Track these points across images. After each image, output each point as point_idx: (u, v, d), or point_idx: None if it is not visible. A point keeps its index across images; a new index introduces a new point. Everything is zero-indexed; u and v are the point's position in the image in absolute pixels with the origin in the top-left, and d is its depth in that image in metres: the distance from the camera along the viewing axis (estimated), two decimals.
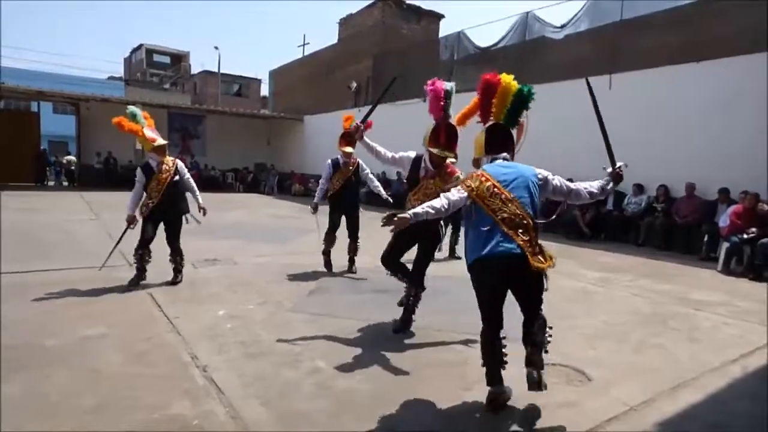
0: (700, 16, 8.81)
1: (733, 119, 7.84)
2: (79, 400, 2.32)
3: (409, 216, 2.30)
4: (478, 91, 2.72)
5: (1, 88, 15.10)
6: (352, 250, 5.37)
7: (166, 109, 18.24)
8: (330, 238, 5.40)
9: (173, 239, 4.61)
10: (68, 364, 2.70)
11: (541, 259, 2.29)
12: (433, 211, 2.33)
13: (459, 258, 6.49)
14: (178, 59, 39.30)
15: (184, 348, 3.03)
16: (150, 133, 4.47)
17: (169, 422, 2.16)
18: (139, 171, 4.55)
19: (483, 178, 2.37)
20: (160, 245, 4.70)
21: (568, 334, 3.55)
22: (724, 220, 6.98)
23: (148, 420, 2.17)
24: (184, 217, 4.63)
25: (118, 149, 17.23)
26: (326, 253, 5.41)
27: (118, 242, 4.72)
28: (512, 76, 2.69)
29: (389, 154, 3.50)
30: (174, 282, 4.55)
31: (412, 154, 3.49)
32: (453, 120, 3.36)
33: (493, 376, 2.41)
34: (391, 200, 5.40)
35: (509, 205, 2.30)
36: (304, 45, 27.14)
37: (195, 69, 38.95)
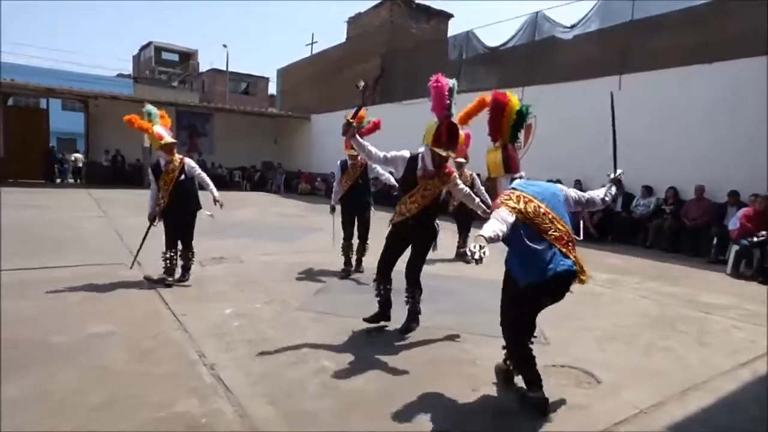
0: (711, 17, 8.71)
1: (743, 121, 7.75)
2: (85, 397, 2.31)
3: (486, 240, 2.12)
4: (489, 108, 2.71)
5: (11, 84, 15.23)
6: (360, 250, 5.34)
7: (174, 107, 18.33)
8: (345, 246, 5.27)
9: (185, 238, 4.62)
10: (74, 362, 2.70)
11: (585, 272, 2.40)
12: (501, 234, 2.20)
13: (468, 262, 6.43)
14: (187, 57, 39.50)
15: (191, 346, 3.03)
16: (160, 130, 4.46)
17: (177, 420, 2.16)
18: (150, 170, 4.63)
19: (525, 199, 2.36)
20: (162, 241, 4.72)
21: (576, 335, 3.53)
22: (733, 223, 6.91)
23: (155, 418, 2.16)
24: (198, 215, 4.62)
25: (126, 147, 17.33)
26: (345, 255, 5.33)
27: (143, 240, 4.73)
28: (516, 96, 2.71)
29: (381, 154, 3.30)
30: (181, 280, 4.56)
31: (407, 153, 3.34)
32: (455, 119, 3.26)
33: (539, 380, 2.41)
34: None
35: (556, 223, 2.34)
36: (312, 44, 27.17)
37: (203, 67, 39.16)
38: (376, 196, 5.65)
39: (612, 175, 2.83)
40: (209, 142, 20.07)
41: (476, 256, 1.98)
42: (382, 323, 3.49)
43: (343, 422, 2.23)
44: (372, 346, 3.18)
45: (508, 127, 2.63)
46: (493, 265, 6.76)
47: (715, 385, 2.85)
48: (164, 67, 38.41)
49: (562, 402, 2.53)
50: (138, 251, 4.80)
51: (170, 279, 4.48)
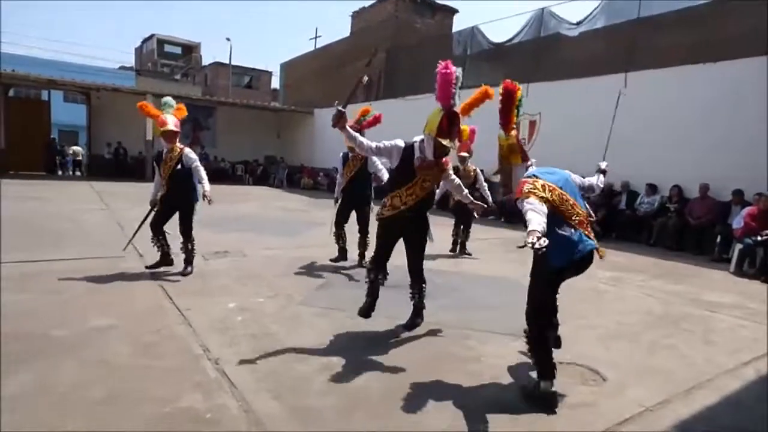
0: (717, 16, 8.67)
1: (748, 120, 7.72)
2: (88, 391, 2.29)
3: (539, 233, 2.08)
4: (500, 97, 2.72)
5: (11, 75, 15.16)
6: (362, 245, 5.34)
7: (176, 100, 18.28)
8: (337, 233, 5.39)
9: (184, 228, 4.60)
10: (76, 356, 2.68)
11: (600, 249, 2.58)
12: (544, 226, 2.18)
13: (470, 255, 6.42)
14: (189, 50, 39.38)
15: (194, 340, 3.01)
16: (166, 118, 4.48)
17: (181, 415, 2.14)
18: (153, 160, 4.71)
19: (550, 187, 2.42)
20: (169, 238, 4.73)
21: (580, 333, 3.52)
22: (737, 222, 6.92)
23: (160, 413, 2.14)
24: (195, 207, 4.61)
25: (129, 140, 17.31)
26: (339, 245, 5.45)
27: (141, 225, 4.79)
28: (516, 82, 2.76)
29: (372, 145, 3.10)
30: (184, 273, 4.54)
31: (401, 142, 3.13)
32: (457, 109, 3.12)
33: (552, 372, 2.48)
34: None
35: (576, 208, 2.47)
36: (315, 38, 27.07)
37: (206, 60, 39.05)
38: (377, 191, 5.64)
39: (602, 164, 3.22)
40: (212, 135, 20.03)
41: (538, 246, 1.99)
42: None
43: (348, 420, 2.21)
44: (376, 341, 3.16)
45: (516, 116, 2.72)
46: (493, 261, 6.78)
47: (719, 383, 2.85)
48: (167, 60, 38.32)
49: (567, 399, 2.52)
50: (134, 234, 4.86)
51: (166, 266, 4.54)
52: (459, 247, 6.49)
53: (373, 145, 3.11)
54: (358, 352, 2.94)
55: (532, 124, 11.27)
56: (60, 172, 18.30)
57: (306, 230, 7.78)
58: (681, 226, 7.98)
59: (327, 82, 20.87)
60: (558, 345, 2.84)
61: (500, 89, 2.70)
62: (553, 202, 2.38)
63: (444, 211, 6.92)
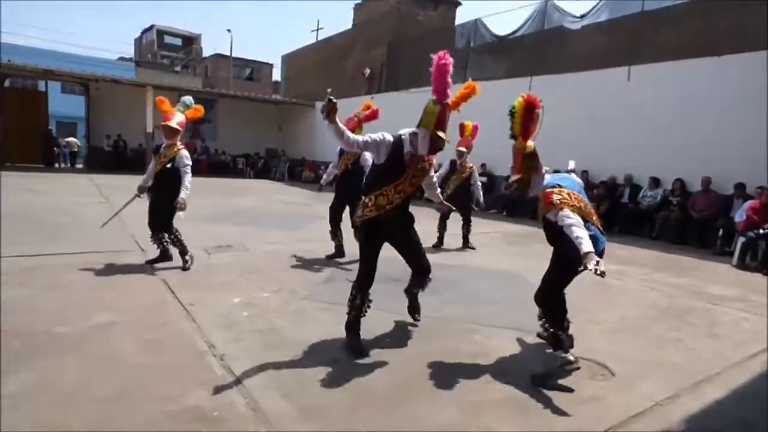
0: (721, 10, 8.59)
1: (751, 114, 7.71)
2: (93, 389, 2.26)
3: (592, 254, 2.36)
4: (522, 109, 2.75)
5: (8, 65, 14.99)
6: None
7: (177, 92, 18.20)
8: (332, 231, 5.35)
9: (163, 224, 4.55)
10: (80, 353, 2.64)
11: None
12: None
13: (474, 248, 6.40)
14: (190, 41, 39.10)
15: (199, 336, 2.99)
16: (174, 114, 4.47)
17: (188, 413, 2.11)
18: (153, 151, 4.73)
19: (573, 195, 2.69)
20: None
21: (587, 327, 3.51)
22: (740, 215, 6.94)
23: (165, 411, 2.11)
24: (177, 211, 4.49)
25: (128, 132, 17.22)
26: (335, 242, 5.41)
27: (124, 206, 4.82)
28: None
29: (360, 139, 2.80)
30: (184, 267, 4.49)
31: (389, 136, 2.86)
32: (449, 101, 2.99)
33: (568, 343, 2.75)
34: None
35: (591, 209, 2.77)
36: (317, 30, 26.92)
37: (206, 52, 38.78)
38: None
39: (571, 165, 3.51)
40: (213, 128, 19.93)
41: (600, 271, 2.27)
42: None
43: (357, 416, 2.19)
44: (381, 337, 3.14)
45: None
46: (494, 255, 6.75)
47: (726, 377, 2.86)
48: (167, 51, 38.04)
49: (577, 394, 2.52)
50: (117, 213, 4.92)
51: (167, 261, 4.55)
52: (462, 240, 6.46)
53: (360, 139, 2.81)
54: (364, 346, 2.91)
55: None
56: (59, 165, 18.21)
57: (308, 224, 7.75)
58: (683, 220, 8.00)
59: (329, 75, 20.72)
60: (571, 344, 2.85)
61: (521, 100, 2.74)
62: (579, 209, 2.64)
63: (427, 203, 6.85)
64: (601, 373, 2.80)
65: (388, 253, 3.07)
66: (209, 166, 18.08)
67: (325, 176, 5.68)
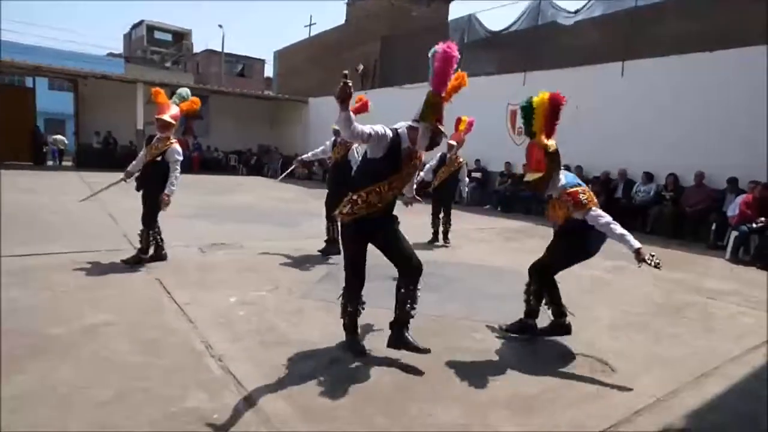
0: (715, 5, 8.63)
1: (744, 110, 7.78)
2: (90, 392, 2.21)
3: (644, 248, 2.70)
4: (550, 108, 2.83)
5: None
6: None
7: (168, 88, 17.96)
8: (327, 225, 5.31)
9: (145, 216, 4.51)
10: (76, 355, 2.59)
11: None
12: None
13: (448, 245, 6.31)
14: (180, 37, 38.61)
15: (196, 336, 2.94)
16: (170, 107, 4.40)
17: (188, 416, 2.07)
18: (146, 142, 4.67)
19: (590, 191, 2.88)
20: (164, 230, 4.65)
21: (588, 324, 3.52)
22: (732, 210, 7.02)
23: (166, 413, 2.07)
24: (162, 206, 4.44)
25: (119, 129, 16.97)
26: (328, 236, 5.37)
27: (105, 188, 4.78)
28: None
29: (366, 130, 2.55)
30: (125, 260, 4.41)
31: (389, 130, 2.65)
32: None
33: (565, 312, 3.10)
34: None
35: None
36: (310, 25, 26.65)
37: (198, 48, 38.38)
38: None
39: None
40: (204, 125, 19.69)
41: (656, 263, 2.60)
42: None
43: (360, 416, 2.17)
44: (382, 335, 3.10)
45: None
46: (491, 251, 6.74)
47: (726, 371, 2.88)
48: (157, 47, 37.55)
49: (579, 390, 2.52)
50: (97, 192, 4.90)
51: (144, 256, 4.47)
52: (442, 236, 6.41)
53: (367, 131, 2.55)
54: (365, 347, 2.89)
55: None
56: (47, 162, 17.91)
57: (303, 221, 7.70)
58: (677, 214, 8.05)
59: (322, 71, 20.58)
60: (569, 331, 3.10)
61: (544, 98, 2.81)
62: (597, 203, 2.85)
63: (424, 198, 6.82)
64: (602, 370, 2.81)
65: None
66: (201, 163, 17.91)
67: (311, 154, 5.64)
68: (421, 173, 5.77)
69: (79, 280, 3.94)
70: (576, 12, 11.06)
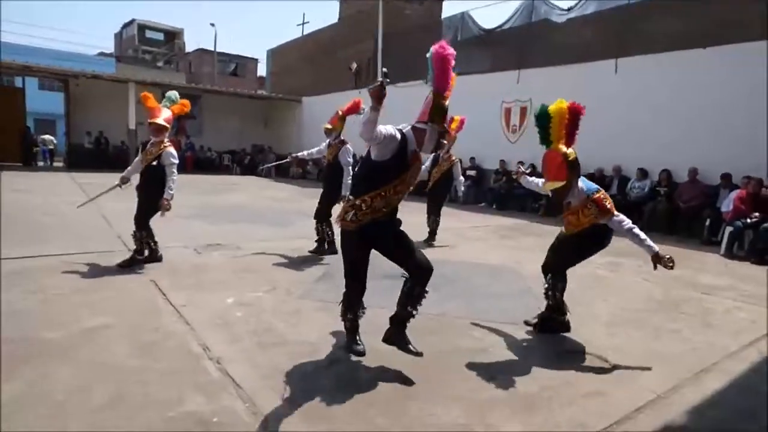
0: (708, 2, 8.67)
1: (738, 106, 7.84)
2: (86, 397, 2.18)
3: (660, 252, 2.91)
4: (570, 118, 2.89)
5: None
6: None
7: (159, 88, 17.81)
8: (319, 224, 5.31)
9: (139, 218, 4.45)
10: (71, 359, 2.55)
11: None
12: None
13: (432, 244, 6.27)
14: (172, 36, 38.31)
15: (193, 338, 2.91)
16: (163, 111, 4.36)
17: (187, 419, 2.04)
18: (141, 147, 4.64)
19: (607, 196, 2.99)
20: (158, 231, 4.59)
21: (587, 321, 3.53)
22: (726, 205, 7.07)
23: (164, 418, 2.04)
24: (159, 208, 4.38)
25: (110, 129, 16.82)
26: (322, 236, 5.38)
27: (102, 194, 4.75)
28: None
29: (382, 132, 2.43)
30: (121, 264, 4.34)
31: (397, 132, 2.53)
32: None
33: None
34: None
35: None
36: (303, 24, 26.64)
37: (190, 47, 38.08)
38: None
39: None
40: (197, 124, 19.57)
41: (671, 265, 2.86)
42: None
43: (360, 417, 2.15)
44: (381, 335, 3.09)
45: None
46: (488, 249, 6.74)
47: (724, 366, 2.89)
48: (148, 47, 37.23)
49: (580, 388, 2.52)
50: (94, 198, 4.85)
51: (139, 257, 4.44)
52: (428, 234, 6.38)
53: (383, 132, 2.43)
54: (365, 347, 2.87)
55: (523, 111, 11.24)
56: (38, 163, 17.69)
57: (298, 220, 7.65)
58: (671, 210, 8.10)
59: (315, 70, 20.52)
60: (568, 329, 3.19)
61: (562, 107, 2.85)
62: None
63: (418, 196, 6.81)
64: (602, 367, 2.81)
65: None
66: (194, 162, 17.78)
67: (306, 153, 5.61)
68: None
69: (74, 282, 3.89)
70: (569, 9, 11.08)
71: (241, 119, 20.19)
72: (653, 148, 8.83)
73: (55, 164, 18.31)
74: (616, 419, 2.24)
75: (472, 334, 3.22)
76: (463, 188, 6.82)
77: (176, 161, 4.41)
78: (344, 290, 2.73)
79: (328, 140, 5.21)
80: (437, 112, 2.54)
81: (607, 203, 2.91)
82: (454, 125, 6.17)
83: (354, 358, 2.73)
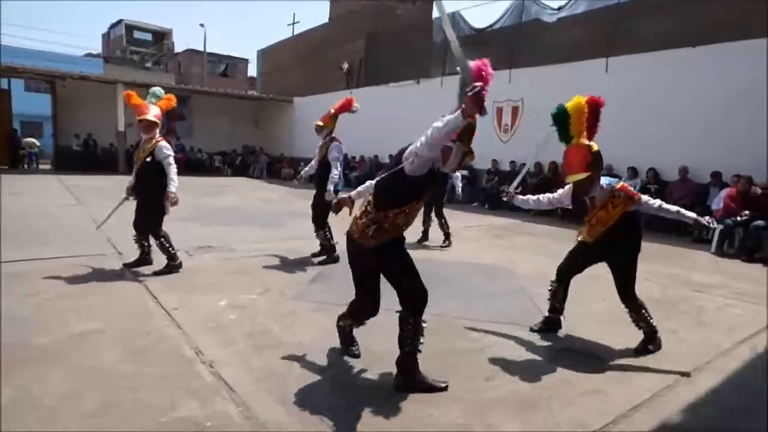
0: (697, 1, 8.76)
1: (727, 105, 7.91)
2: (77, 403, 2.13)
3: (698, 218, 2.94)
4: (590, 111, 2.87)
5: None
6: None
7: (148, 89, 17.61)
8: (318, 227, 5.15)
9: (150, 226, 4.33)
10: (62, 364, 2.49)
11: None
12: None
13: (426, 243, 6.28)
14: (161, 37, 37.94)
15: (186, 342, 2.86)
16: (151, 108, 4.27)
17: (180, 424, 2.00)
18: (134, 149, 4.47)
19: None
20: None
21: (585, 319, 3.54)
22: (716, 203, 7.13)
23: (157, 423, 2.00)
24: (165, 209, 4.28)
25: (99, 131, 16.60)
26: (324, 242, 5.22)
27: (114, 210, 4.61)
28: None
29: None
30: (165, 270, 4.27)
31: None
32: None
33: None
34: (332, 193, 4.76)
35: None
36: (293, 24, 26.50)
37: (179, 47, 37.76)
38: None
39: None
40: (187, 125, 19.39)
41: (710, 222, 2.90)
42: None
43: (357, 419, 2.13)
44: (378, 336, 3.04)
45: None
46: (483, 248, 6.73)
47: (718, 364, 2.90)
48: (136, 47, 36.83)
49: (577, 387, 2.52)
50: (108, 216, 4.67)
51: (174, 263, 4.33)
52: (422, 234, 6.37)
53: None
54: (360, 348, 2.84)
55: (515, 110, 11.28)
56: (25, 166, 17.41)
57: (291, 221, 7.61)
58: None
59: (306, 70, 20.45)
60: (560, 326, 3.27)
61: (584, 102, 2.85)
62: None
63: None
64: (598, 365, 2.81)
65: None
66: (185, 164, 17.61)
67: (307, 168, 5.46)
68: None
69: (64, 287, 3.81)
70: (559, 9, 11.14)
71: (232, 120, 20.04)
72: (643, 147, 8.91)
73: (42, 167, 18.01)
74: (614, 418, 2.24)
75: (470, 334, 3.20)
76: (461, 184, 6.71)
77: (171, 153, 4.30)
78: (355, 303, 2.64)
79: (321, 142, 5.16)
80: (467, 132, 2.35)
81: (631, 190, 2.95)
82: None
83: (349, 359, 2.70)
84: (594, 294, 4.28)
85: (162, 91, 4.48)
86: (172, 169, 4.23)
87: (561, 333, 3.27)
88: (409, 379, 2.40)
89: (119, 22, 37.83)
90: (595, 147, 2.85)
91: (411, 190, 2.35)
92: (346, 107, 4.99)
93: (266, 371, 2.52)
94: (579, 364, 2.79)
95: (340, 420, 2.12)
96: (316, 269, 4.75)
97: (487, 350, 2.94)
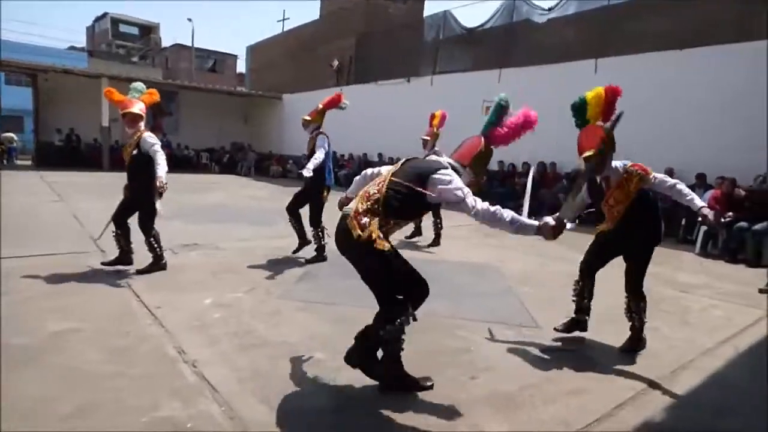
0: (687, 3, 8.88)
1: (714, 107, 8.03)
2: (55, 405, 2.07)
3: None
4: (607, 98, 3.05)
5: None
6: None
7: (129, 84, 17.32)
8: (314, 226, 5.04)
9: (141, 224, 4.24)
10: (40, 365, 2.43)
11: None
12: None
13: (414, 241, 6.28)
14: (148, 31, 37.39)
15: (169, 341, 2.81)
16: (134, 102, 4.16)
17: (161, 425, 1.96)
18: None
19: None
20: (132, 230, 4.40)
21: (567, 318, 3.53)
22: None
23: (137, 424, 1.96)
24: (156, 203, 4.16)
25: (82, 125, 16.28)
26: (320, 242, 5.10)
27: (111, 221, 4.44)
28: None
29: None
30: (147, 269, 4.19)
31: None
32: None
33: None
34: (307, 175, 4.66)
35: None
36: (283, 20, 26.26)
37: (166, 42, 37.22)
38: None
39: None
40: (174, 121, 19.13)
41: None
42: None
43: (342, 420, 2.11)
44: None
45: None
46: (471, 248, 6.73)
47: (700, 363, 2.94)
48: (122, 41, 36.23)
49: (563, 386, 2.53)
50: (105, 227, 4.46)
51: (124, 265, 4.22)
52: (414, 231, 6.36)
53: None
54: (346, 347, 2.79)
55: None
56: (5, 161, 17.00)
57: (278, 220, 7.50)
58: None
59: (296, 67, 20.30)
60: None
61: (603, 90, 3.03)
62: None
63: None
64: (583, 364, 2.82)
65: None
66: (172, 161, 17.36)
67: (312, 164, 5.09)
68: None
69: (43, 285, 3.73)
70: (550, 10, 11.22)
71: (220, 116, 19.81)
72: (630, 148, 8.97)
73: (21, 162, 17.61)
74: (598, 416, 2.25)
75: (457, 333, 3.20)
76: None
77: (157, 142, 4.17)
78: (408, 306, 2.34)
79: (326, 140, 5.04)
80: (481, 162, 2.49)
81: (641, 166, 2.96)
82: (435, 121, 6.17)
83: (334, 360, 2.67)
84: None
85: (143, 86, 4.36)
86: (160, 156, 4.07)
87: (545, 332, 3.28)
88: (394, 379, 2.38)
89: (104, 15, 37.18)
90: (600, 129, 2.96)
91: (419, 209, 2.50)
92: (335, 102, 4.94)
93: (250, 371, 2.49)
94: (564, 363, 2.81)
95: (324, 421, 2.10)
96: (303, 268, 4.72)
97: (472, 349, 2.95)
